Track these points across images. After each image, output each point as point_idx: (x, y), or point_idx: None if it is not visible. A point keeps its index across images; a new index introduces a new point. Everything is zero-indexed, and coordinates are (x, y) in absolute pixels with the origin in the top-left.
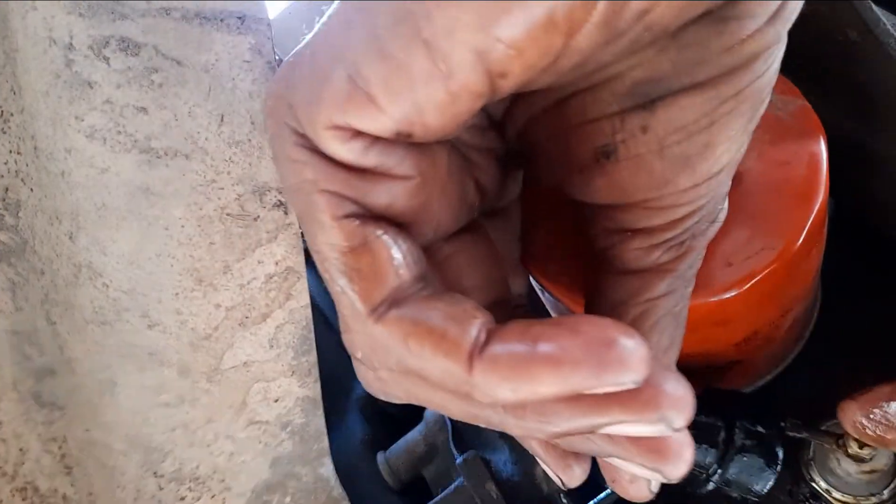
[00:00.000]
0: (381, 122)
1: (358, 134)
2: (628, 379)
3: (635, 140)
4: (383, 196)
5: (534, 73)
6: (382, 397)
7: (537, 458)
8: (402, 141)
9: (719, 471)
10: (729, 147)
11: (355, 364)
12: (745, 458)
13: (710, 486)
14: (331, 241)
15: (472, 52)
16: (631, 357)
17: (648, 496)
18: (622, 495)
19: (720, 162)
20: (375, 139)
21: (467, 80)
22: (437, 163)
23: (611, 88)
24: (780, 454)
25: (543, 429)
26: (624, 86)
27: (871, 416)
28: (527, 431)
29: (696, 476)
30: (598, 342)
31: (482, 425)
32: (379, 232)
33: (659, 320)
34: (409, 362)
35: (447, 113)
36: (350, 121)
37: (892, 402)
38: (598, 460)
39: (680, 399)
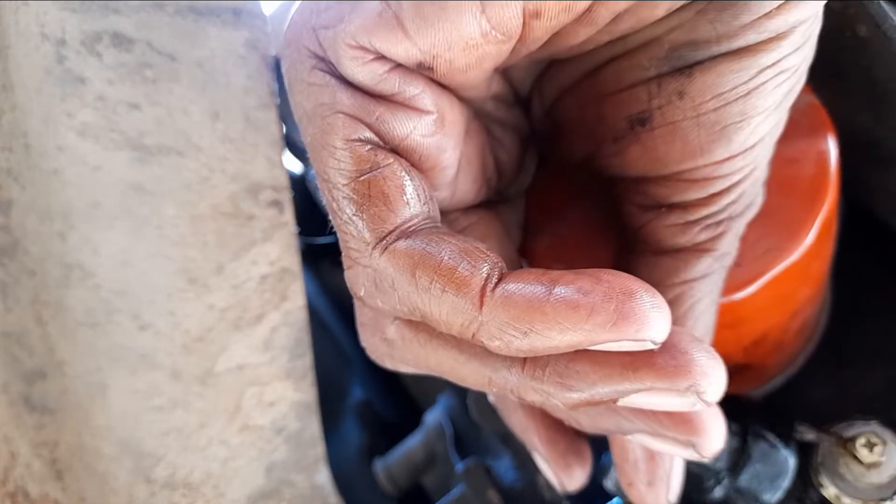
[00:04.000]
0: (406, 49)
1: (379, 57)
2: (647, 335)
3: (671, 106)
4: (399, 126)
5: (569, 17)
6: (389, 365)
7: (536, 456)
8: (423, 74)
9: (728, 478)
10: (765, 120)
11: (360, 329)
12: (757, 467)
13: (718, 493)
14: (341, 166)
15: None
16: (651, 311)
17: None
18: (637, 503)
19: (756, 134)
20: (396, 65)
21: (500, 14)
22: (455, 109)
23: (649, 52)
24: (792, 463)
25: (563, 394)
26: (662, 49)
27: None
28: (545, 397)
29: (703, 482)
30: (619, 292)
31: (496, 391)
32: (391, 160)
33: (694, 305)
34: (414, 299)
35: (473, 53)
36: (375, 43)
37: None
38: (616, 461)
39: (712, 368)
